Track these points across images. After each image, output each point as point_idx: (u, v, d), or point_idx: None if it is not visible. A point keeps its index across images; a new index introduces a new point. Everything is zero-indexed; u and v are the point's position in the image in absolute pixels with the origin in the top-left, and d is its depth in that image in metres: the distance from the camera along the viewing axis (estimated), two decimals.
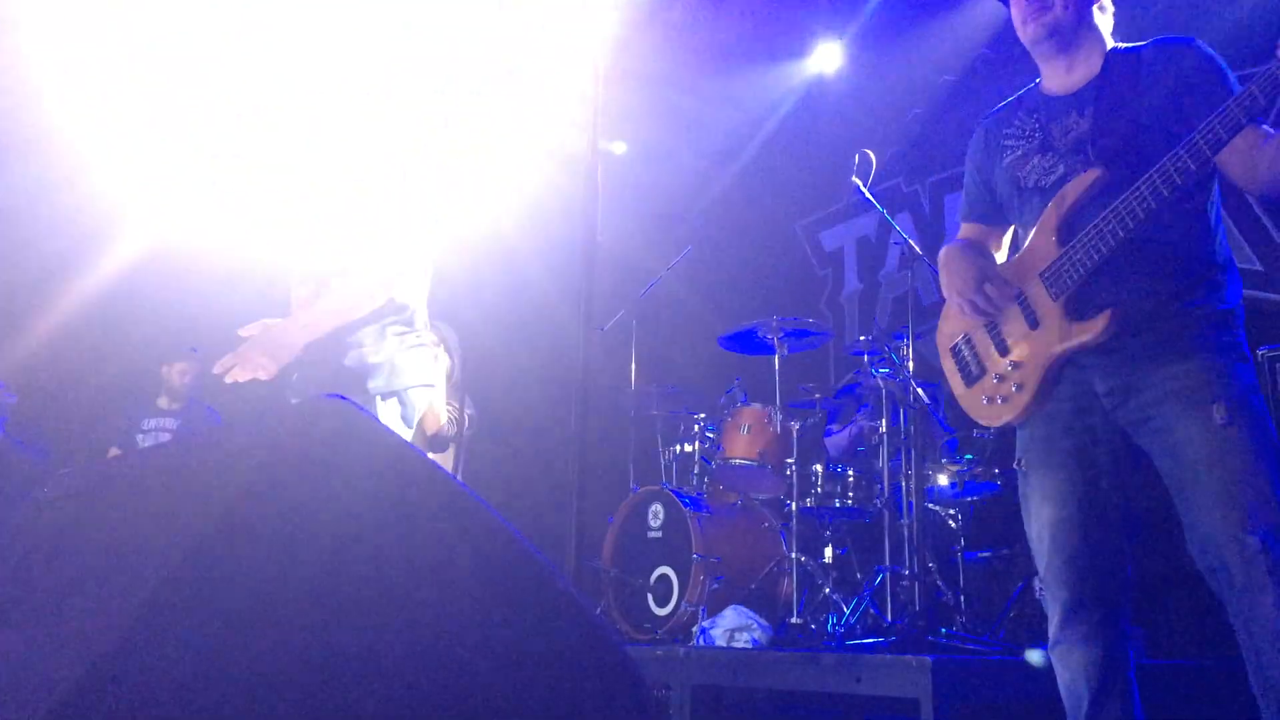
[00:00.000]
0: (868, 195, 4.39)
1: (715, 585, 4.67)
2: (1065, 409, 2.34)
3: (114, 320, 5.95)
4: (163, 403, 6.00)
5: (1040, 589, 3.13)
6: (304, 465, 1.21)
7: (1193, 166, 2.09)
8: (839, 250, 7.41)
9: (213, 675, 1.05)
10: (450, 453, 5.15)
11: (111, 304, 5.79)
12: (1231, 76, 2.27)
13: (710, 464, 5.30)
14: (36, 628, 1.16)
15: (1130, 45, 2.40)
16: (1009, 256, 2.60)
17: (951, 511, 4.81)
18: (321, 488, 1.20)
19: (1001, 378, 2.41)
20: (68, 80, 5.01)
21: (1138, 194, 2.16)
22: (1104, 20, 2.43)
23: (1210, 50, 2.30)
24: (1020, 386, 2.37)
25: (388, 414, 2.82)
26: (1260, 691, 2.08)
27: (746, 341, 5.21)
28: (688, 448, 5.51)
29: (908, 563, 4.28)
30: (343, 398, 1.28)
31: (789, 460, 4.70)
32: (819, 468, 4.77)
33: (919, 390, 4.45)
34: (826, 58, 6.92)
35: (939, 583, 4.44)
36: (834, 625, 4.26)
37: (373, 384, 2.80)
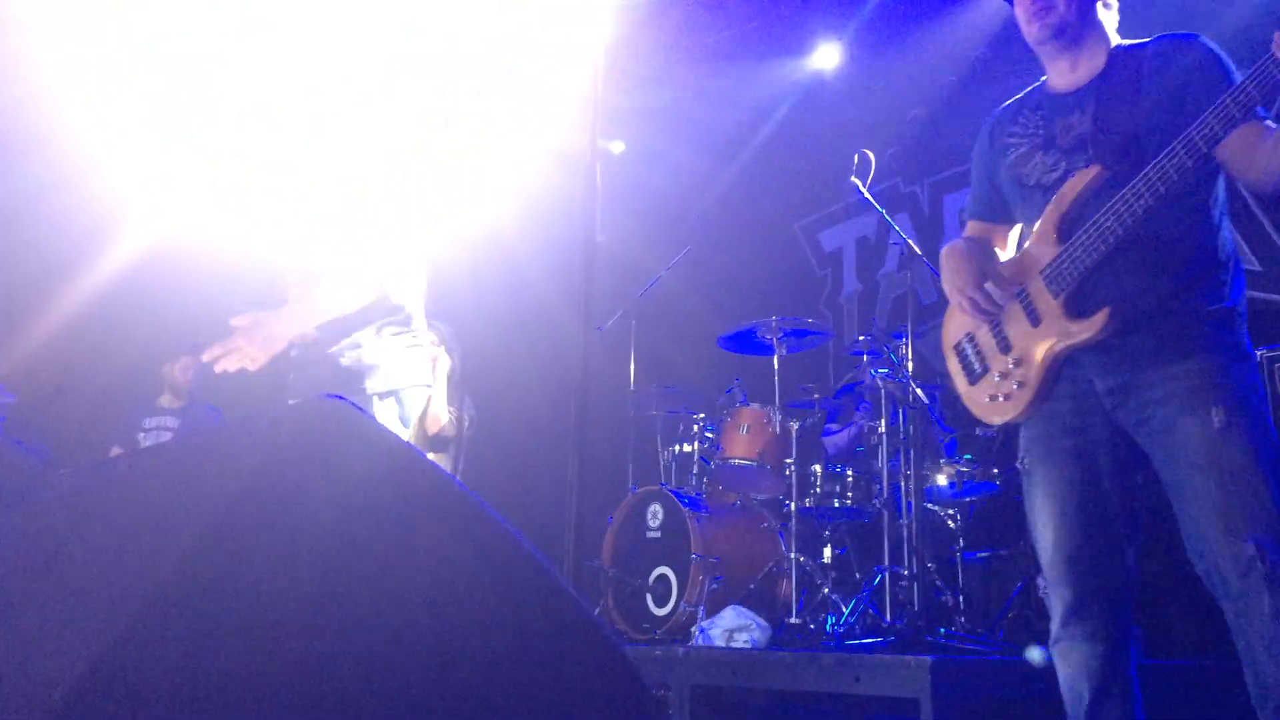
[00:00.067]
0: (867, 195, 4.39)
1: (714, 585, 4.67)
2: (1066, 407, 2.34)
3: (115, 320, 5.95)
4: (165, 401, 6.00)
5: (1043, 587, 3.13)
6: (303, 465, 1.21)
7: (1189, 163, 2.09)
8: (838, 250, 7.41)
9: (212, 676, 1.05)
10: (450, 453, 5.15)
11: (113, 303, 5.79)
12: (1235, 72, 2.25)
13: (709, 464, 5.30)
14: (36, 628, 1.17)
15: (1134, 42, 2.40)
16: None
17: (951, 511, 4.81)
18: (320, 488, 1.20)
19: (1004, 375, 2.41)
20: (68, 80, 5.00)
21: (1135, 191, 2.16)
22: (1108, 17, 2.43)
23: (1214, 46, 2.29)
24: (1022, 384, 2.37)
25: (385, 414, 2.83)
26: (1256, 695, 2.08)
27: (746, 341, 5.21)
28: (687, 448, 5.51)
29: (907, 563, 4.28)
30: (341, 398, 1.28)
31: (788, 460, 4.70)
32: (818, 468, 4.77)
33: (918, 390, 4.45)
34: (826, 58, 6.92)
35: (938, 583, 4.44)
36: (833, 625, 4.26)
37: (370, 384, 2.81)
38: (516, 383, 6.52)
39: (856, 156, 4.34)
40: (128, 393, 6.09)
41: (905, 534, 4.34)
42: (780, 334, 4.92)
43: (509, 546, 1.31)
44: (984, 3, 6.33)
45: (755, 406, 4.99)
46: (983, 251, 2.51)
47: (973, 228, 2.64)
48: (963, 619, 4.38)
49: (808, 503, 4.72)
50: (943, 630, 4.05)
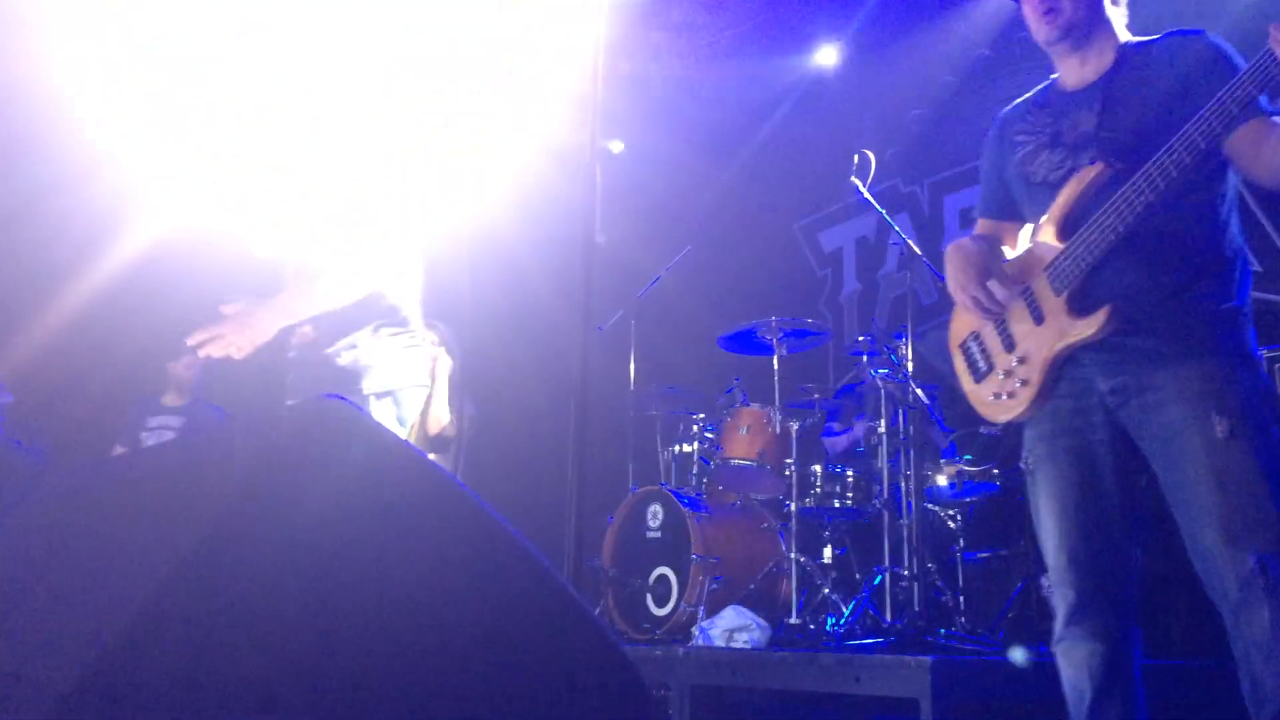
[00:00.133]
0: (867, 196, 4.39)
1: (714, 585, 4.66)
2: (1068, 406, 2.33)
3: (118, 319, 5.95)
4: (168, 400, 6.00)
5: (1047, 586, 3.13)
6: (303, 465, 1.21)
7: (1188, 160, 2.08)
8: (838, 250, 7.41)
9: (212, 676, 1.05)
10: (450, 453, 5.15)
11: (115, 302, 5.79)
12: (1242, 68, 2.24)
13: (709, 464, 5.30)
14: (36, 628, 1.16)
15: (1143, 39, 2.39)
16: None
17: (951, 512, 4.81)
18: (321, 488, 1.20)
19: (1007, 373, 2.41)
20: (68, 80, 5.00)
21: (1136, 187, 2.15)
22: (1117, 14, 2.42)
23: (1220, 42, 2.27)
24: (1025, 382, 2.36)
25: (382, 414, 2.83)
26: (1252, 701, 2.07)
27: (746, 342, 5.21)
28: (687, 448, 5.51)
29: (907, 563, 4.28)
30: (341, 398, 1.28)
31: (788, 460, 4.70)
32: (818, 468, 4.77)
33: (918, 390, 4.45)
34: (826, 58, 6.92)
35: (938, 583, 4.44)
36: (833, 625, 4.26)
37: (366, 384, 2.82)
38: (516, 383, 6.52)
39: (856, 156, 4.34)
40: (131, 391, 6.09)
41: (905, 534, 4.33)
42: (780, 334, 4.92)
43: (509, 546, 1.31)
44: (985, 3, 6.34)
45: (755, 407, 4.99)
46: (987, 249, 2.50)
47: (982, 226, 2.63)
48: (963, 619, 4.37)
49: (808, 503, 4.72)
50: (943, 630, 4.05)
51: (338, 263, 2.84)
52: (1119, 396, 2.25)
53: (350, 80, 3.02)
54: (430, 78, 3.38)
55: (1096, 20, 2.37)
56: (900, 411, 4.48)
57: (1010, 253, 2.56)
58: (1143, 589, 2.32)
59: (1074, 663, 2.28)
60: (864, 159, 4.32)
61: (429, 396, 4.71)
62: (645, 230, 6.80)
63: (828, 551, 4.90)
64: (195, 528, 1.14)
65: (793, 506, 4.61)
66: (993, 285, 2.42)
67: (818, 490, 4.73)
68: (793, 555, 4.52)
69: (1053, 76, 2.52)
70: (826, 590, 4.47)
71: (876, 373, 4.65)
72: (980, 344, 2.51)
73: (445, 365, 4.93)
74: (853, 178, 4.35)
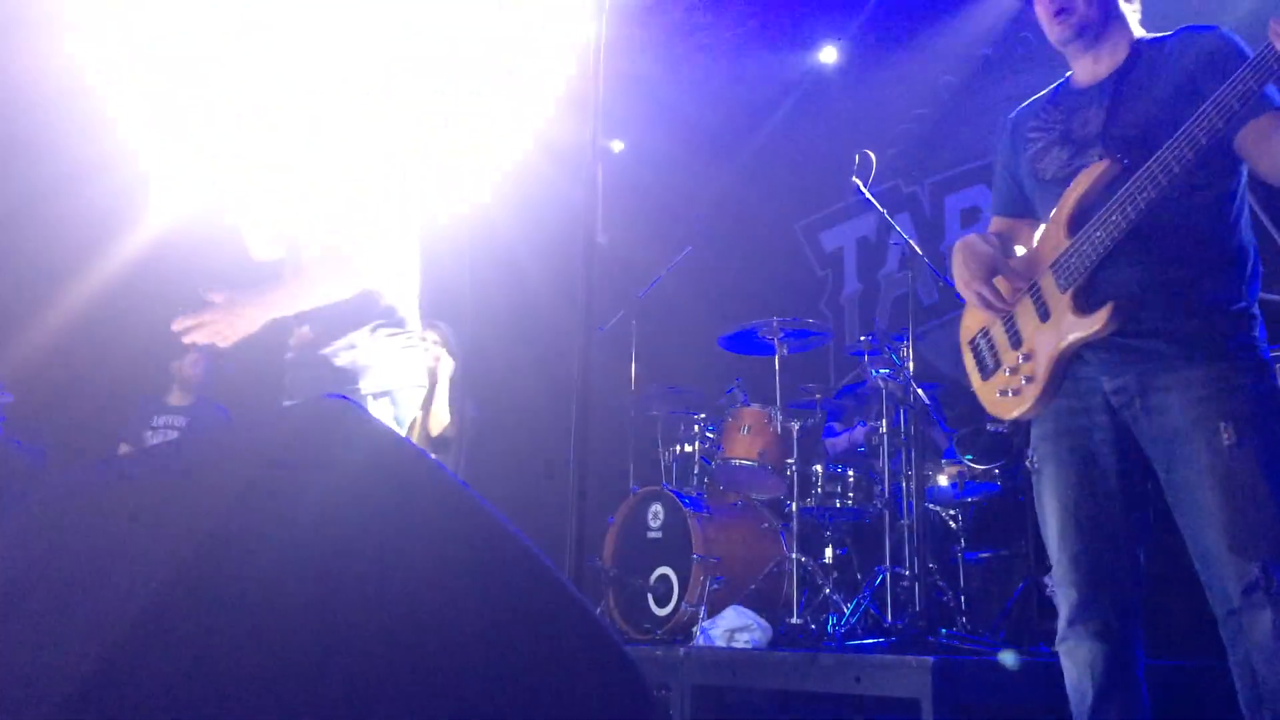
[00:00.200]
0: (868, 196, 4.39)
1: (715, 585, 4.66)
2: (1073, 405, 2.32)
3: (118, 319, 5.95)
4: (173, 399, 6.00)
5: (1050, 585, 3.13)
6: (306, 465, 1.21)
7: (1190, 155, 2.06)
8: (839, 250, 7.41)
9: (214, 676, 1.05)
10: (451, 453, 5.15)
11: (119, 302, 5.79)
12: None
13: (710, 464, 5.30)
14: (38, 628, 1.16)
15: (1157, 35, 2.38)
16: None
17: (952, 512, 4.81)
18: (323, 487, 1.20)
19: (1014, 370, 2.40)
20: (69, 80, 5.00)
21: (1138, 184, 2.14)
22: (1130, 10, 2.41)
23: (1232, 37, 2.25)
24: (1030, 379, 2.36)
25: (380, 414, 2.83)
26: (1249, 702, 2.07)
27: (746, 342, 5.21)
28: (688, 448, 5.51)
29: (908, 563, 4.28)
30: (344, 397, 1.28)
31: (789, 460, 4.70)
32: (819, 468, 4.77)
33: (919, 391, 4.45)
34: (827, 58, 6.92)
35: (939, 583, 4.44)
36: (834, 626, 4.26)
37: (364, 384, 2.81)
38: (517, 383, 6.52)
39: (857, 157, 4.34)
40: (132, 391, 6.09)
41: (906, 534, 4.33)
42: (781, 334, 4.92)
43: (511, 546, 1.31)
44: (986, 3, 6.33)
45: (756, 407, 4.99)
46: (995, 246, 2.49)
47: (996, 224, 2.63)
48: (964, 619, 4.37)
49: (809, 503, 4.72)
50: (944, 631, 4.05)
51: (328, 259, 2.84)
52: (1122, 397, 2.24)
53: (350, 80, 3.02)
54: (430, 78, 3.38)
55: (1109, 18, 2.36)
56: (901, 411, 4.48)
57: (1023, 251, 2.55)
58: (1145, 589, 2.31)
59: (1077, 662, 2.28)
60: (865, 159, 4.32)
61: (430, 397, 4.71)
62: (645, 230, 6.80)
63: (829, 551, 4.90)
64: (198, 527, 1.14)
65: (794, 506, 4.61)
66: (999, 282, 2.42)
67: (819, 490, 4.73)
68: (794, 555, 4.51)
69: (1067, 74, 2.51)
70: (827, 590, 4.47)
71: (878, 373, 4.65)
72: (989, 340, 2.50)
73: (447, 366, 4.92)
74: (854, 178, 4.35)
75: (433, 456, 1.43)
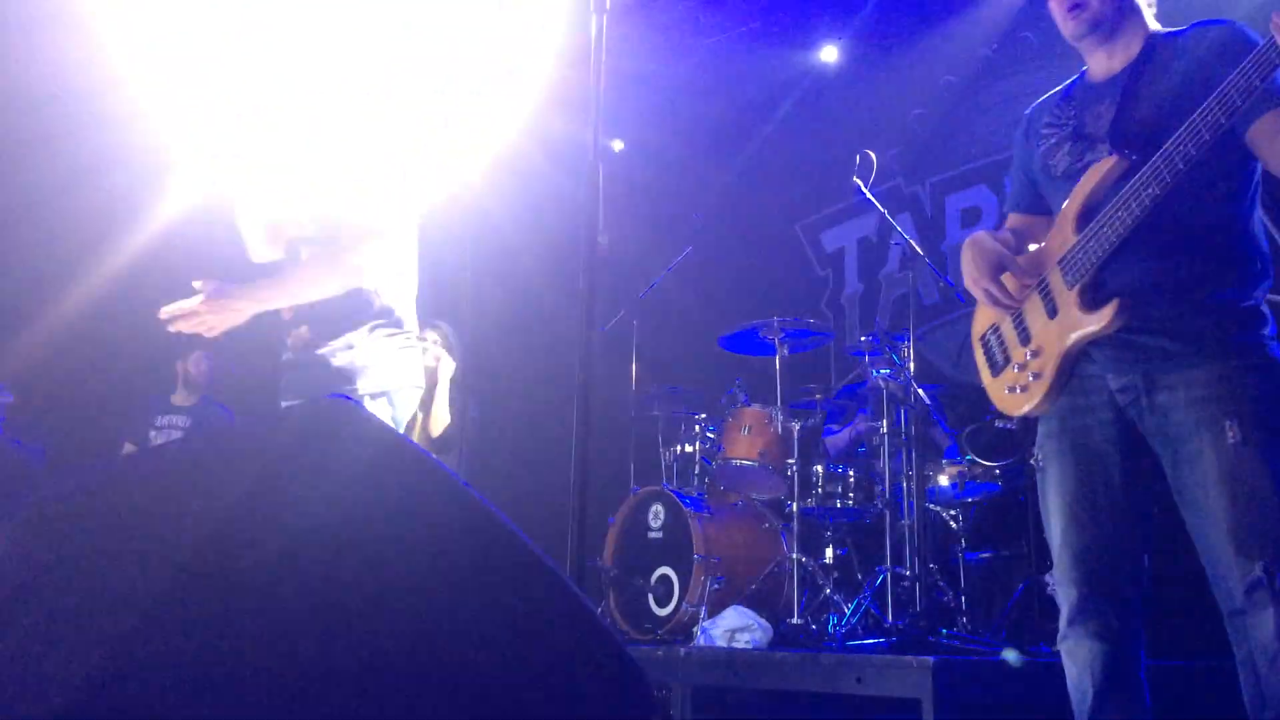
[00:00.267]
0: (869, 195, 4.39)
1: (716, 585, 4.66)
2: (1079, 403, 2.32)
3: (119, 319, 5.95)
4: (177, 399, 6.00)
5: (1052, 584, 3.12)
6: (308, 465, 1.20)
7: (1193, 151, 2.05)
8: (840, 250, 7.40)
9: (217, 677, 1.05)
10: (452, 454, 5.14)
11: (116, 303, 5.79)
12: None
13: (711, 464, 5.29)
14: (38, 629, 1.16)
15: (1172, 30, 2.36)
16: None
17: (952, 512, 4.80)
18: (325, 487, 1.19)
19: (1022, 367, 2.40)
20: (70, 80, 5.00)
21: (1143, 180, 2.13)
22: (1146, 4, 2.39)
23: (1246, 30, 2.23)
24: (1038, 376, 2.35)
25: (377, 414, 2.82)
26: (1253, 703, 2.07)
27: (747, 342, 5.21)
28: (688, 448, 5.51)
29: (908, 563, 4.28)
30: (346, 397, 1.28)
31: (790, 461, 4.70)
32: (820, 468, 4.76)
33: (920, 391, 4.45)
34: (827, 58, 6.91)
35: (940, 583, 4.43)
36: (835, 626, 4.26)
37: (361, 384, 2.81)
38: (518, 383, 6.52)
39: (858, 156, 4.34)
40: (137, 390, 6.09)
41: (907, 534, 4.33)
42: (781, 334, 4.91)
43: (513, 545, 1.31)
44: (987, 2, 6.33)
45: (757, 407, 4.99)
46: (1003, 243, 2.48)
47: (1012, 220, 2.62)
48: (964, 619, 4.37)
49: (809, 503, 4.71)
50: (944, 631, 4.05)
51: (320, 255, 2.84)
52: (1128, 395, 2.23)
53: (350, 80, 3.01)
54: (430, 78, 3.38)
55: (1123, 13, 2.35)
56: (902, 412, 4.48)
57: (1036, 247, 2.55)
58: (1146, 589, 2.31)
59: (1077, 662, 2.27)
60: (866, 159, 4.32)
61: (430, 397, 4.71)
62: (646, 230, 6.80)
63: (829, 552, 4.89)
64: (200, 527, 1.13)
65: (794, 506, 4.61)
66: (1006, 279, 2.41)
67: (819, 490, 4.73)
68: (794, 555, 4.51)
69: (1083, 69, 2.50)
70: (828, 590, 4.47)
71: (878, 373, 4.64)
72: (999, 337, 2.50)
73: (447, 366, 4.92)
74: (855, 178, 4.36)
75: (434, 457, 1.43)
